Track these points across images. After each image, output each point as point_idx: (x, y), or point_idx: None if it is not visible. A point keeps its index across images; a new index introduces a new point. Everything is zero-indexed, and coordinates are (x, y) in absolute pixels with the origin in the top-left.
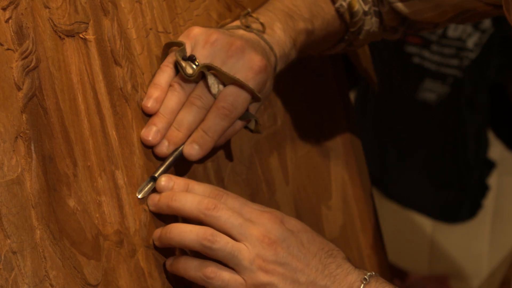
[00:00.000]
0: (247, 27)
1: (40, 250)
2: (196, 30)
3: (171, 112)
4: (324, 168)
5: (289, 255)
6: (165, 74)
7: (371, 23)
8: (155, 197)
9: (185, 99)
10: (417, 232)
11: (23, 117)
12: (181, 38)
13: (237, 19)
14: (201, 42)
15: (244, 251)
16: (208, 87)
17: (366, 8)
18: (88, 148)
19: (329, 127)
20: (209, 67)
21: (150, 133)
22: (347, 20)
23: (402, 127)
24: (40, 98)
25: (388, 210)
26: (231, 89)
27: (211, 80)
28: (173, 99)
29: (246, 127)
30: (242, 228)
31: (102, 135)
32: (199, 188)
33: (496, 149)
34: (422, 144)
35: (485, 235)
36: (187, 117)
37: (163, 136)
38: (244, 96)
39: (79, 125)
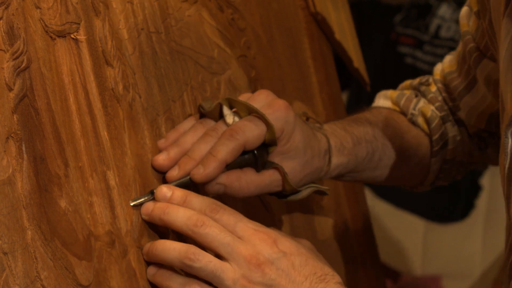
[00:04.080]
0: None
1: (31, 251)
2: None
3: (185, 142)
4: None
5: (277, 277)
6: (187, 122)
7: (454, 130)
8: (149, 206)
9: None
10: (409, 232)
11: (14, 117)
12: None
13: None
14: None
15: (228, 271)
16: (224, 120)
17: (442, 114)
18: (79, 149)
19: None
20: (228, 100)
21: (161, 156)
22: (424, 128)
23: None
24: (31, 99)
25: (381, 210)
26: (244, 119)
27: (227, 111)
28: (190, 133)
29: (282, 196)
30: (229, 247)
31: (93, 135)
32: (197, 200)
33: None
34: None
35: (477, 235)
36: (200, 145)
37: (173, 162)
38: (256, 123)
39: (70, 125)
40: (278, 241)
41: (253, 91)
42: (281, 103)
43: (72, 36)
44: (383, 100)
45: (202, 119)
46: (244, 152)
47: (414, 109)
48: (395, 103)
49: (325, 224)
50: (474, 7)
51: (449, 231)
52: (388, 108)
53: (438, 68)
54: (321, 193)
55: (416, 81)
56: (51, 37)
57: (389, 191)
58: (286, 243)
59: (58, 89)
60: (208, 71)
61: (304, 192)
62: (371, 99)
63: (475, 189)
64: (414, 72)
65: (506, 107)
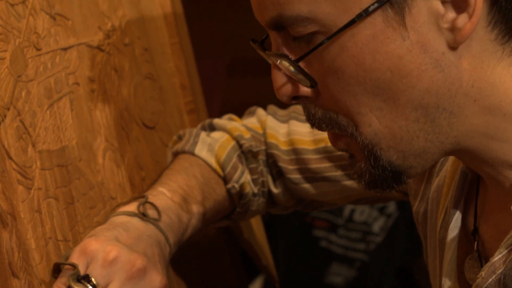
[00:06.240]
0: (144, 215)
1: None
2: (94, 246)
3: None
4: None
5: None
6: None
7: (258, 204)
8: None
9: None
10: None
11: None
12: (76, 254)
13: (132, 201)
14: (100, 259)
15: None
16: None
17: (255, 190)
18: None
19: None
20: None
21: None
22: (236, 201)
23: None
24: None
25: None
26: None
27: None
28: None
29: None
30: None
31: None
32: None
33: None
34: None
35: None
36: None
37: None
38: None
39: None
40: None
41: None
42: (158, 285)
43: None
44: (206, 152)
45: None
46: None
47: (236, 182)
48: (221, 166)
49: None
50: None
51: None
52: (210, 168)
53: (280, 132)
54: None
55: (246, 144)
56: None
57: None
58: None
59: None
60: None
61: None
62: (284, 285)
63: None
64: (329, 256)
65: None
